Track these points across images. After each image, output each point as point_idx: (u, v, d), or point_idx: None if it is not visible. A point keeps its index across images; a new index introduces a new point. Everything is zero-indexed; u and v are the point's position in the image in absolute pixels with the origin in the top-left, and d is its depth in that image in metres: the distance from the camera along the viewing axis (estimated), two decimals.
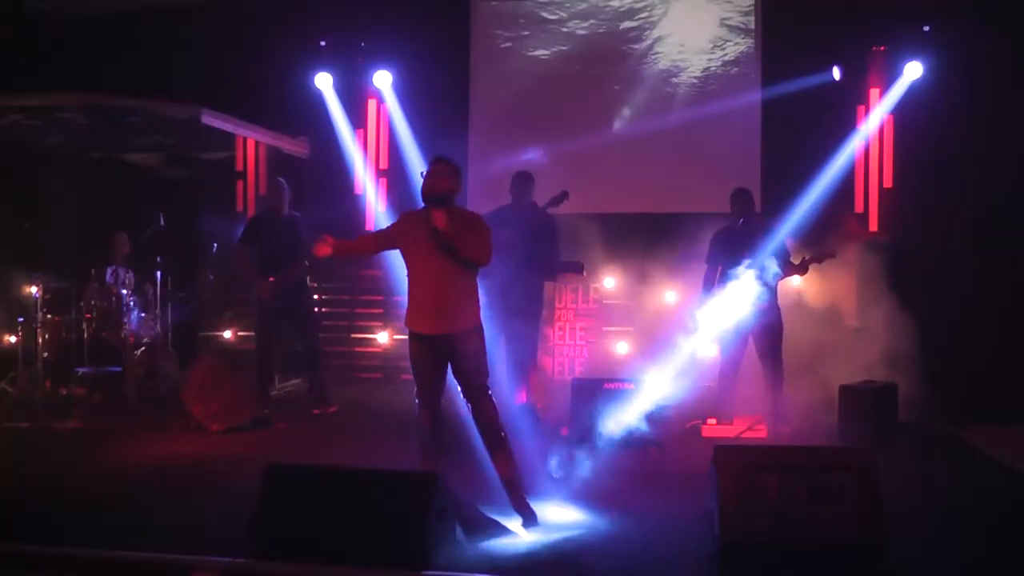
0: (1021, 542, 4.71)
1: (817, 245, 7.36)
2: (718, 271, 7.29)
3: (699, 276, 7.48)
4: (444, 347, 4.96)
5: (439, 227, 4.80)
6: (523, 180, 7.38)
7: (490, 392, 5.07)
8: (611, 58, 10.25)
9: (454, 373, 5.06)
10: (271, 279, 7.61)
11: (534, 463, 5.59)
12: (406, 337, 5.16)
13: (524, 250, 6.80)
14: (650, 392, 6.61)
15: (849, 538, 4.21)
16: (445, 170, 5.00)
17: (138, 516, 5.00)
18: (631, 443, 6.29)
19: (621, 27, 10.26)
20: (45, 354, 8.25)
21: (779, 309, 7.19)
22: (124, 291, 8.44)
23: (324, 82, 10.10)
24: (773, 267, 7.02)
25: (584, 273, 9.27)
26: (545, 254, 7.25)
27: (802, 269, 7.08)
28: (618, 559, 4.37)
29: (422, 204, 5.00)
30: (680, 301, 8.95)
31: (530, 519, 4.85)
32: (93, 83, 8.88)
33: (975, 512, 5.21)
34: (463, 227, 4.91)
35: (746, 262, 7.01)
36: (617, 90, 10.17)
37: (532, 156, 9.23)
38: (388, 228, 5.26)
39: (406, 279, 5.06)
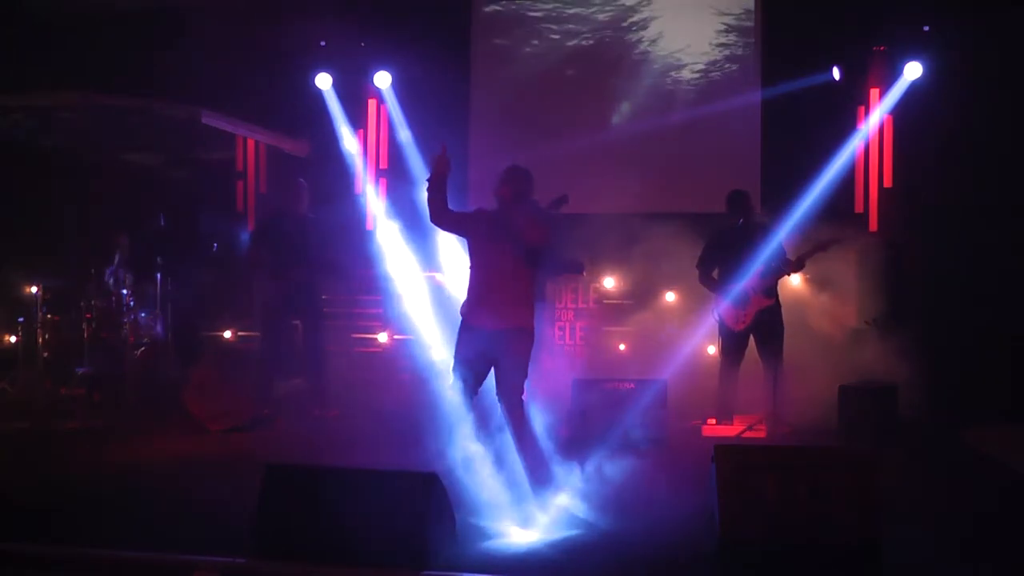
0: (1021, 542, 4.70)
1: (808, 241, 7.35)
2: (713, 272, 7.31)
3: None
4: (496, 343, 5.16)
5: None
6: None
7: (524, 395, 5.23)
8: (611, 58, 10.26)
9: (495, 368, 5.22)
10: (279, 279, 7.57)
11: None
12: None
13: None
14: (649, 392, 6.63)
15: (849, 538, 4.21)
16: (520, 174, 5.44)
17: (138, 516, 4.99)
18: (631, 442, 6.29)
19: (621, 27, 10.27)
20: (45, 354, 8.24)
21: (780, 309, 7.20)
22: (124, 291, 8.44)
23: (324, 82, 10.10)
24: (772, 268, 7.05)
25: (584, 273, 9.28)
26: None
27: (798, 266, 7.08)
28: (618, 558, 4.37)
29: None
30: (680, 301, 8.96)
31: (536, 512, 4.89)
32: (93, 83, 8.87)
33: (975, 512, 5.21)
34: (533, 220, 5.27)
35: (746, 261, 7.03)
36: (617, 90, 10.18)
37: (532, 156, 9.22)
38: (464, 213, 5.46)
39: (468, 271, 5.34)
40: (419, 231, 8.91)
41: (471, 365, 5.24)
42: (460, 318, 5.35)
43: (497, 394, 5.24)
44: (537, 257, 5.25)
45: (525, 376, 5.26)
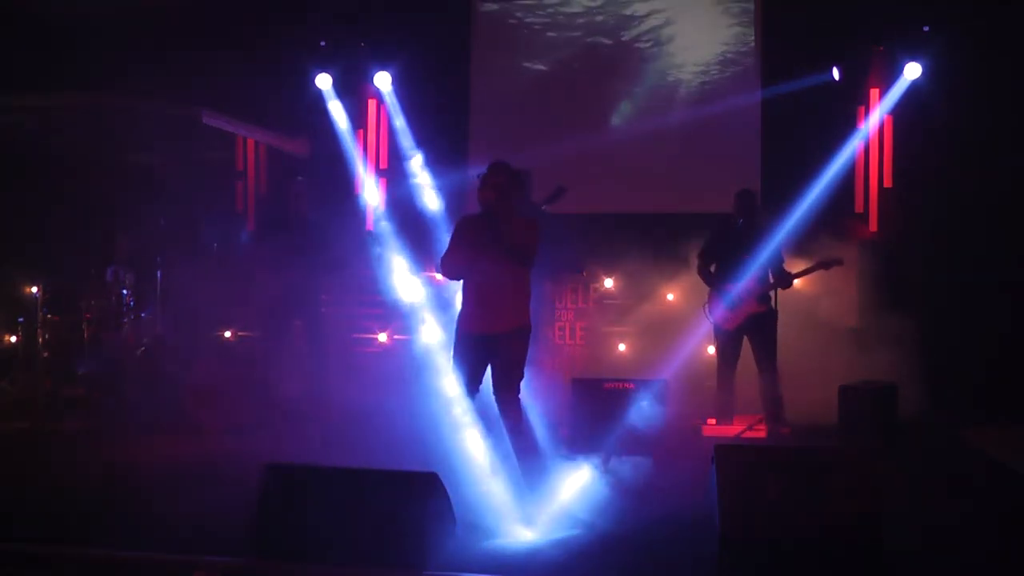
0: (1021, 542, 4.71)
1: (811, 251, 7.36)
2: (711, 266, 7.33)
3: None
4: (493, 345, 5.19)
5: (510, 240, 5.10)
6: None
7: (520, 394, 5.26)
8: (611, 58, 10.25)
9: (492, 368, 5.26)
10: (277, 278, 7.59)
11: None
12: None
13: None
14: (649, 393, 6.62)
15: (849, 538, 4.21)
16: (500, 171, 5.23)
17: (138, 516, 4.99)
18: (631, 443, 6.29)
19: (622, 26, 10.27)
20: (45, 354, 8.24)
21: (774, 309, 7.19)
22: (124, 291, 8.44)
23: (324, 82, 10.10)
24: (767, 276, 7.06)
25: (584, 273, 9.29)
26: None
27: (787, 283, 7.10)
28: (618, 559, 4.37)
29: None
30: (680, 301, 8.95)
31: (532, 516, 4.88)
32: (93, 83, 8.87)
33: (975, 512, 5.21)
34: (522, 227, 5.20)
35: (742, 262, 7.04)
36: (617, 90, 10.18)
37: (532, 155, 9.21)
38: (456, 240, 5.35)
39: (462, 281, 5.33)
40: (418, 231, 8.91)
41: (470, 368, 5.27)
42: (456, 326, 5.36)
43: (493, 392, 5.27)
44: (526, 257, 5.22)
45: (521, 375, 5.29)
